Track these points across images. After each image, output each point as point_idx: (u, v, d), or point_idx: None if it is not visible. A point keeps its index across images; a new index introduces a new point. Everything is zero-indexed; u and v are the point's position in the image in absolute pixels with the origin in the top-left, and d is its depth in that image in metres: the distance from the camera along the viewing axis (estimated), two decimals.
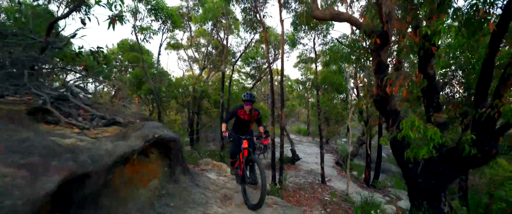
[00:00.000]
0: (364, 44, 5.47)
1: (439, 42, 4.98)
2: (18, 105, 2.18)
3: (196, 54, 16.71)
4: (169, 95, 11.41)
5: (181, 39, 14.77)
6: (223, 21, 12.47)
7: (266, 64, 14.81)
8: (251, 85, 17.08)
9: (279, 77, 12.54)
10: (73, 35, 4.46)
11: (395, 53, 6.19)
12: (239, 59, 14.26)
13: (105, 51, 4.97)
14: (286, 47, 13.27)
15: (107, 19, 3.63)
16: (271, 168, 9.31)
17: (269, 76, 11.46)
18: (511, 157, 16.61)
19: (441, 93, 8.92)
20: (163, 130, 3.33)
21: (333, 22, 9.19)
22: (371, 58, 5.25)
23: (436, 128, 3.87)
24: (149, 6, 7.55)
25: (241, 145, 4.09)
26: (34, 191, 1.38)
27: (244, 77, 20.64)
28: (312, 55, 12.19)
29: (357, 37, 5.67)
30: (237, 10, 11.82)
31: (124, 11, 5.78)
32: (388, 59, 6.49)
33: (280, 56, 10.21)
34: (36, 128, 2.11)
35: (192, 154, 10.15)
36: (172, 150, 3.71)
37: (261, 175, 3.61)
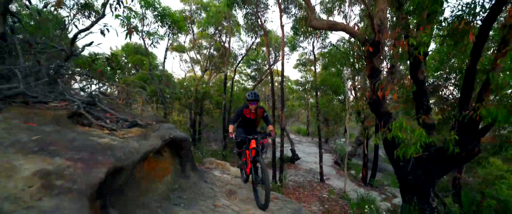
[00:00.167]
0: (359, 50, 5.86)
1: (429, 49, 5.39)
2: (60, 111, 2.57)
3: (198, 56, 17.12)
4: (173, 97, 11.80)
5: (184, 42, 15.17)
6: (225, 24, 12.87)
7: (267, 66, 15.22)
8: (252, 87, 17.45)
9: (280, 78, 12.96)
10: (90, 43, 4.85)
11: (388, 58, 6.58)
12: (241, 62, 14.63)
13: (110, 56, 5.37)
14: (286, 49, 13.67)
15: (125, 30, 4.00)
16: (272, 167, 9.71)
17: (269, 78, 11.85)
18: (505, 156, 17.10)
19: (436, 95, 9.33)
20: (176, 131, 3.73)
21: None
22: (365, 64, 5.65)
23: (422, 129, 4.26)
24: (156, 12, 7.95)
25: (249, 144, 4.07)
26: (91, 179, 1.78)
27: (245, 78, 21.05)
28: (311, 57, 12.60)
29: (353, 43, 6.05)
30: (239, 15, 12.22)
31: (133, 17, 6.17)
32: (383, 64, 6.91)
33: (280, 59, 10.62)
34: (75, 130, 2.50)
35: (195, 154, 10.55)
36: (183, 149, 4.10)
37: (264, 176, 3.67)
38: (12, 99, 2.31)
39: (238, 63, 14.73)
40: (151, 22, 8.14)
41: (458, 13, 4.86)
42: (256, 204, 4.11)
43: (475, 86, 5.46)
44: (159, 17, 8.00)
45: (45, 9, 6.81)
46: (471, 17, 4.36)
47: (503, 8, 3.97)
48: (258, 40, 13.31)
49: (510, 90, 5.53)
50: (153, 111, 13.84)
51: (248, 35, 11.86)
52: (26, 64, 3.40)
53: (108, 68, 4.62)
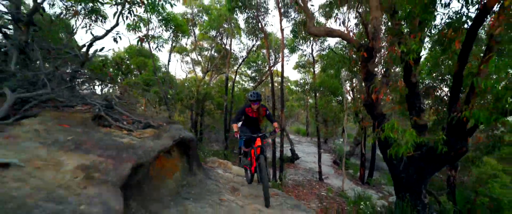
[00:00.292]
0: (354, 55, 6.19)
1: (422, 53, 5.72)
2: (85, 113, 2.88)
3: (199, 57, 17.44)
4: (175, 98, 12.11)
5: (186, 44, 15.47)
6: (226, 26, 13.19)
7: (267, 67, 15.54)
8: (252, 87, 17.76)
9: (279, 78, 13.27)
10: (101, 49, 5.17)
11: (383, 63, 6.89)
12: (242, 64, 14.95)
13: (119, 61, 5.67)
14: (286, 51, 13.99)
15: (137, 38, 4.31)
16: (272, 166, 10.03)
17: (269, 79, 12.16)
18: (500, 156, 17.46)
19: (432, 96, 9.64)
20: (184, 132, 4.04)
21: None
22: (361, 67, 5.96)
23: (412, 130, 4.57)
24: (160, 17, 8.26)
25: (253, 143, 4.12)
26: (120, 172, 2.09)
27: (245, 79, 21.36)
28: (310, 59, 12.92)
29: (349, 47, 6.37)
30: (240, 18, 12.53)
31: (138, 21, 6.48)
32: (378, 68, 7.23)
33: (280, 60, 10.94)
34: (99, 130, 2.81)
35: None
36: (190, 148, 4.42)
37: (262, 174, 3.76)
38: (46, 104, 2.62)
39: (239, 65, 15.04)
40: (155, 26, 8.48)
41: (447, 21, 5.21)
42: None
43: (464, 90, 5.80)
44: (163, 22, 8.32)
45: (54, 13, 7.14)
46: (459, 24, 4.69)
47: (486, 18, 4.29)
48: (258, 42, 13.64)
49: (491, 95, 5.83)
50: (157, 112, 14.16)
51: (249, 39, 12.19)
52: (47, 71, 3.72)
53: (119, 72, 4.89)
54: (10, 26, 4.23)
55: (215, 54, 16.47)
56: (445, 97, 9.72)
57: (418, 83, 6.05)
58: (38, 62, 3.75)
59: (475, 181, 11.39)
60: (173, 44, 11.74)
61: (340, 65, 7.02)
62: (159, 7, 4.44)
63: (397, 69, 10.18)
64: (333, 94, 12.27)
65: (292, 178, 11.20)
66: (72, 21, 7.39)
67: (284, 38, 10.68)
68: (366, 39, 5.23)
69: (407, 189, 5.87)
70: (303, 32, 8.88)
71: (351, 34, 5.67)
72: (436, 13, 5.37)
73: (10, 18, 3.64)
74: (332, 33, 5.25)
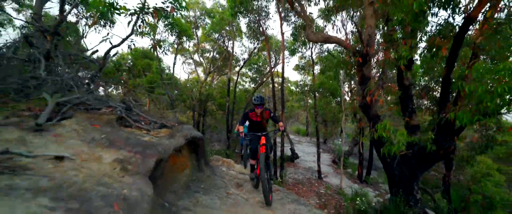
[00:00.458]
0: (351, 60, 6.57)
1: (416, 57, 6.09)
2: (109, 115, 3.26)
3: (201, 59, 17.83)
4: (179, 99, 12.49)
5: (188, 46, 15.86)
6: (228, 28, 13.57)
7: (267, 68, 15.93)
8: (253, 88, 18.14)
9: (280, 79, 13.65)
10: (115, 54, 5.55)
11: (379, 67, 7.27)
12: (243, 66, 15.34)
13: (132, 66, 6.05)
14: (286, 53, 14.38)
15: (150, 45, 4.69)
16: (273, 165, 10.41)
17: (270, 80, 12.53)
18: (497, 155, 17.86)
19: (427, 97, 10.01)
20: (194, 131, 4.43)
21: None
22: (356, 71, 6.35)
23: (404, 130, 4.96)
24: (166, 22, 8.64)
25: (255, 140, 4.24)
26: (147, 165, 2.48)
27: (245, 80, 21.76)
28: (310, 61, 13.31)
29: (346, 52, 6.75)
30: (242, 22, 12.88)
31: (145, 26, 6.86)
32: (373, 71, 7.61)
33: (280, 62, 11.33)
34: (124, 130, 3.19)
35: None
36: (199, 147, 4.81)
37: (261, 174, 3.81)
38: (78, 107, 3.01)
39: (241, 67, 15.43)
40: (161, 31, 8.87)
41: (438, 28, 5.60)
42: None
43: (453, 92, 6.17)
44: (169, 26, 8.70)
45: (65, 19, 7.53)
46: (446, 32, 5.08)
47: (471, 27, 4.68)
48: (259, 45, 14.03)
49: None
50: (161, 112, 14.55)
51: (251, 42, 12.58)
52: (70, 76, 4.11)
53: (131, 75, 5.28)
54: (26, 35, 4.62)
55: (217, 56, 16.87)
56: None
57: (410, 86, 6.43)
58: (60, 68, 4.12)
59: (470, 180, 11.77)
60: (178, 48, 12.12)
61: (338, 68, 7.40)
62: (170, 18, 4.80)
63: (394, 71, 10.58)
64: (332, 96, 12.66)
65: (292, 176, 11.58)
66: (79, 25, 7.78)
67: (285, 41, 11.10)
68: (361, 46, 5.61)
69: (400, 185, 6.25)
70: (302, 36, 9.25)
71: (347, 39, 6.03)
72: (427, 21, 5.76)
73: (37, 29, 4.02)
74: (329, 39, 5.63)
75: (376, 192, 11.02)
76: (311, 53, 11.94)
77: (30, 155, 1.94)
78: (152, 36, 4.92)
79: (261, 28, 10.62)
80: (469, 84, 4.38)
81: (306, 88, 13.95)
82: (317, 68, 13.70)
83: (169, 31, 8.74)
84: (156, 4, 4.45)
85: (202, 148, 4.90)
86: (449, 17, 4.94)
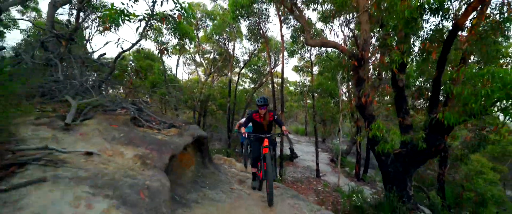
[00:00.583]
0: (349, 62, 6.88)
1: (406, 62, 6.41)
2: (124, 116, 3.56)
3: (202, 60, 18.13)
4: (181, 99, 12.77)
5: (189, 47, 16.15)
6: (228, 29, 13.86)
7: (267, 69, 16.26)
8: (252, 89, 18.44)
9: (279, 79, 13.96)
10: (122, 58, 5.84)
11: (376, 69, 7.59)
12: (244, 67, 15.65)
13: (139, 69, 6.35)
14: (285, 54, 14.70)
15: (158, 50, 4.99)
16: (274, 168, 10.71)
17: (269, 80, 12.83)
18: (492, 154, 18.21)
19: (423, 97, 10.35)
20: (200, 131, 4.73)
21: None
22: (352, 74, 6.67)
23: (396, 129, 5.28)
24: (169, 25, 8.90)
25: (258, 141, 4.24)
26: (163, 161, 2.78)
27: (245, 79, 22.07)
28: (308, 62, 13.63)
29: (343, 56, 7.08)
30: (242, 25, 13.16)
31: (148, 29, 7.14)
32: (369, 74, 7.92)
33: (279, 63, 11.63)
34: (138, 129, 3.49)
35: None
36: (204, 145, 5.11)
37: (268, 172, 3.74)
38: (97, 108, 3.31)
39: (242, 69, 15.74)
40: (165, 34, 9.15)
41: (429, 33, 5.93)
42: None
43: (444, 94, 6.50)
44: (172, 30, 8.98)
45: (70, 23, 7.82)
46: (436, 38, 5.40)
47: (458, 33, 4.99)
48: (259, 46, 14.33)
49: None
50: (162, 113, 14.83)
51: (251, 44, 12.88)
52: (84, 78, 4.40)
53: (137, 77, 5.58)
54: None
55: (217, 57, 17.16)
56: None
57: (404, 88, 6.75)
58: (75, 72, 4.42)
59: (463, 178, 12.11)
60: (181, 50, 12.42)
61: (335, 71, 7.72)
62: (179, 26, 5.07)
63: (389, 73, 10.92)
64: (330, 96, 12.97)
65: (291, 175, 11.89)
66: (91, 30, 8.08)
67: (284, 41, 11.42)
68: (356, 50, 5.92)
69: (394, 182, 6.57)
70: (301, 39, 9.56)
71: (344, 43, 6.35)
72: (419, 27, 6.08)
73: (54, 35, 4.31)
74: (327, 44, 5.95)
75: (373, 190, 11.35)
76: (310, 55, 12.27)
77: (64, 150, 2.24)
78: (160, 41, 5.19)
79: (261, 30, 10.92)
80: (456, 87, 4.70)
81: (305, 89, 14.25)
82: (315, 69, 14.03)
83: (172, 34, 9.03)
84: (164, 11, 4.74)
85: (206, 146, 5.21)
86: (439, 24, 5.26)
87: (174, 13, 4.74)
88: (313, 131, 19.01)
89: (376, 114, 6.93)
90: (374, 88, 5.99)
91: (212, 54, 17.21)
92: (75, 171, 1.97)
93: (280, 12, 10.00)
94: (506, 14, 4.27)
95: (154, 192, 2.15)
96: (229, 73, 14.23)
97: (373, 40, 7.18)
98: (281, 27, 10.12)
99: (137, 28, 5.14)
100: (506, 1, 4.33)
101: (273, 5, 8.77)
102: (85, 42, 8.52)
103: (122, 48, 4.47)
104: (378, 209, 6.65)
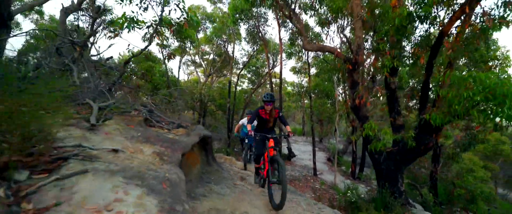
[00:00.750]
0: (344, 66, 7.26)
1: (397, 66, 6.81)
2: (138, 117, 3.89)
3: (201, 61, 18.45)
4: (187, 101, 13.09)
5: (189, 49, 16.47)
6: (228, 32, 14.21)
7: (265, 69, 16.63)
8: (252, 90, 18.80)
9: (277, 80, 14.31)
10: (129, 62, 6.16)
11: (370, 72, 7.98)
12: (243, 69, 16.00)
13: (145, 72, 6.67)
14: (283, 55, 15.09)
15: (165, 56, 5.32)
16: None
17: (268, 81, 13.18)
18: (484, 153, 18.71)
19: (416, 98, 10.77)
20: (205, 131, 5.08)
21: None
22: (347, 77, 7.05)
23: (387, 129, 5.66)
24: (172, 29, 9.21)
25: (267, 144, 4.18)
26: (177, 157, 3.13)
27: (243, 80, 22.43)
28: (306, 64, 14.02)
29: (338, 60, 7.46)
30: (242, 28, 13.50)
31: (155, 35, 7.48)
32: (368, 75, 8.31)
33: (277, 64, 11.99)
34: (150, 129, 3.82)
35: None
36: (208, 144, 5.45)
37: (282, 175, 3.58)
38: (114, 111, 3.64)
39: (241, 70, 16.08)
40: (169, 38, 9.45)
41: (419, 40, 6.33)
42: (271, 204, 4.00)
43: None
44: (177, 34, 9.28)
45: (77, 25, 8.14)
46: (424, 45, 5.80)
47: (444, 40, 5.39)
48: (258, 47, 14.69)
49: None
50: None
51: (250, 47, 13.24)
52: (96, 82, 4.73)
53: (146, 81, 5.91)
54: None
55: (217, 58, 17.49)
56: None
57: (396, 90, 7.15)
58: (91, 77, 4.74)
59: (455, 176, 12.57)
60: (183, 53, 12.74)
61: (332, 73, 8.09)
62: (185, 32, 5.40)
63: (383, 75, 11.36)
64: (327, 97, 13.37)
65: (289, 173, 12.24)
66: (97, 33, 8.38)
67: (282, 43, 11.81)
68: (351, 54, 6.30)
69: (387, 179, 6.97)
70: (299, 41, 9.93)
71: (339, 48, 6.72)
72: (410, 32, 6.48)
73: (69, 41, 4.63)
74: (323, 49, 6.32)
75: (368, 187, 11.74)
76: (307, 57, 12.65)
77: (94, 148, 2.58)
78: (167, 46, 5.52)
79: (260, 33, 11.28)
80: (442, 90, 5.10)
81: (302, 89, 14.63)
82: (312, 71, 14.41)
83: (174, 38, 9.33)
84: (171, 19, 5.08)
85: (210, 145, 5.55)
86: (427, 31, 5.65)
87: (181, 21, 5.08)
88: (310, 131, 19.44)
89: (370, 115, 7.32)
90: (368, 90, 6.37)
91: (211, 55, 17.54)
92: (107, 165, 2.32)
93: (278, 16, 10.36)
94: (485, 24, 4.65)
95: (173, 183, 2.50)
96: (228, 75, 14.56)
97: (367, 44, 7.58)
98: (279, 31, 10.49)
99: (145, 34, 5.48)
100: (486, 12, 4.72)
101: (272, 11, 9.13)
102: (90, 44, 8.81)
103: (132, 53, 4.78)
104: (371, 204, 7.04)
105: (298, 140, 23.33)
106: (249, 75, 18.78)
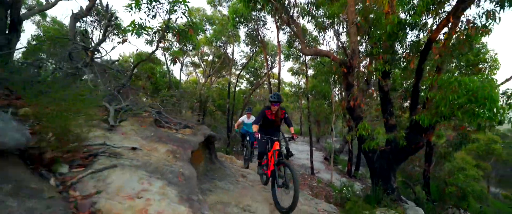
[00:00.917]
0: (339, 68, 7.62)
1: (389, 70, 7.19)
2: (148, 118, 4.21)
3: (200, 62, 18.77)
4: (182, 99, 13.43)
5: (189, 50, 16.78)
6: (230, 33, 14.55)
7: (263, 70, 17.00)
8: (250, 90, 19.16)
9: (275, 80, 14.65)
10: (138, 65, 6.47)
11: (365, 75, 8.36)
12: (242, 70, 16.34)
13: (150, 75, 6.98)
14: (282, 57, 15.46)
15: (170, 58, 5.64)
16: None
17: (266, 81, 13.53)
18: (477, 153, 19.20)
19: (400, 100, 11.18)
20: (209, 131, 5.41)
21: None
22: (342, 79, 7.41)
23: (379, 129, 6.03)
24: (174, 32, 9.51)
25: (270, 146, 4.23)
26: (187, 155, 3.46)
27: (241, 80, 22.79)
28: (303, 67, 14.40)
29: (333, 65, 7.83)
30: (241, 31, 13.84)
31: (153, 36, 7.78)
32: (362, 77, 8.68)
33: (276, 65, 12.33)
34: (160, 129, 4.14)
35: None
36: (212, 143, 5.79)
37: (294, 178, 3.49)
38: (127, 112, 3.96)
39: (241, 72, 16.42)
40: (172, 42, 9.74)
41: (410, 45, 6.71)
42: (277, 207, 3.92)
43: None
44: (180, 38, 9.56)
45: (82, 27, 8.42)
46: (413, 49, 6.18)
47: (432, 45, 5.77)
48: (257, 49, 15.04)
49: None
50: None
51: (250, 49, 13.60)
52: (107, 85, 5.04)
53: (151, 83, 6.22)
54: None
55: (216, 59, 17.82)
56: None
57: (389, 92, 7.52)
58: (102, 80, 5.05)
59: (447, 174, 13.01)
60: (184, 54, 13.05)
61: (328, 75, 8.46)
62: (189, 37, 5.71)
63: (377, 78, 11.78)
64: (324, 98, 13.75)
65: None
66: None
67: (280, 44, 12.17)
68: (346, 58, 6.67)
69: (380, 176, 7.34)
70: (297, 44, 10.29)
71: (336, 53, 7.08)
72: (402, 37, 6.86)
73: (82, 47, 4.93)
74: (320, 53, 6.67)
75: (363, 185, 12.14)
76: (305, 58, 13.02)
77: (116, 146, 2.90)
78: (170, 48, 5.83)
79: (259, 36, 11.63)
80: (430, 92, 5.47)
81: (300, 90, 15.01)
82: (310, 72, 14.80)
83: (179, 42, 9.61)
84: (178, 26, 5.41)
85: (214, 144, 5.89)
86: (417, 36, 6.03)
87: (186, 27, 5.41)
88: (307, 131, 19.81)
89: (366, 115, 7.69)
90: (362, 92, 6.73)
91: (211, 56, 17.86)
92: (130, 161, 2.64)
93: (277, 20, 10.72)
94: (468, 32, 5.03)
95: (187, 178, 2.84)
96: (227, 76, 14.90)
97: (362, 48, 7.95)
98: (278, 33, 10.85)
99: (152, 39, 5.80)
100: (470, 21, 5.11)
101: (272, 16, 9.48)
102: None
103: (142, 57, 5.09)
104: (365, 200, 7.41)
105: (296, 140, 23.67)
106: (247, 76, 19.12)
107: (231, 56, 14.87)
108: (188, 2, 5.05)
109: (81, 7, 6.17)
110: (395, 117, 7.59)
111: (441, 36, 5.85)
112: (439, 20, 5.49)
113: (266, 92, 24.69)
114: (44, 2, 9.45)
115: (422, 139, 6.59)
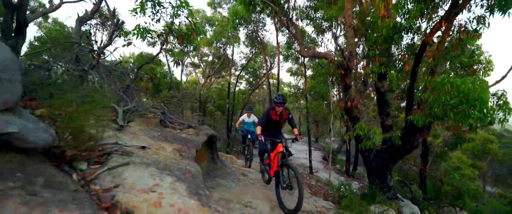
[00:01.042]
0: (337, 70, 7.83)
1: (385, 72, 7.40)
2: (155, 119, 4.40)
3: (200, 62, 18.95)
4: (190, 102, 13.61)
5: (189, 51, 16.96)
6: (229, 34, 14.74)
7: (262, 71, 17.19)
8: (250, 90, 19.36)
9: (275, 81, 14.84)
10: (142, 67, 6.65)
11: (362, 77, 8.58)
12: (242, 71, 16.55)
13: (154, 76, 7.16)
14: (281, 57, 15.68)
15: (173, 60, 5.83)
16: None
17: (265, 82, 13.72)
18: (473, 152, 19.46)
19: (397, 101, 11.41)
20: (211, 131, 5.60)
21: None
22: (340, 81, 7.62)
23: (376, 129, 6.23)
24: (176, 34, 9.70)
25: (272, 146, 4.25)
26: (192, 153, 3.65)
27: (240, 81, 22.99)
28: (302, 67, 14.62)
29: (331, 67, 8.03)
30: (241, 32, 14.05)
31: (156, 39, 7.97)
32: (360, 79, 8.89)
33: (275, 66, 12.53)
34: (165, 129, 4.33)
35: None
36: (214, 143, 5.97)
37: (298, 180, 3.51)
38: (134, 113, 4.15)
39: (240, 73, 16.62)
40: (171, 41, 9.93)
41: (405, 48, 6.93)
42: (281, 208, 3.99)
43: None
44: (183, 41, 9.75)
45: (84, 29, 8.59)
46: (408, 52, 6.40)
47: (426, 49, 5.98)
48: (256, 50, 15.25)
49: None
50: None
51: (249, 50, 13.79)
52: (112, 87, 5.22)
53: (154, 84, 6.39)
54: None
55: (215, 60, 18.01)
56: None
57: (385, 93, 7.74)
58: (104, 81, 5.22)
59: (443, 173, 13.26)
60: (185, 55, 13.25)
61: (326, 77, 8.67)
62: (191, 40, 5.90)
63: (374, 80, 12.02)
64: (322, 98, 13.97)
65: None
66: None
67: (279, 46, 12.37)
68: (343, 60, 6.88)
69: (376, 175, 7.55)
70: (296, 45, 10.50)
71: (334, 55, 7.28)
72: (398, 40, 7.07)
73: (88, 50, 5.11)
74: (318, 55, 6.88)
75: (360, 184, 12.35)
76: (303, 60, 13.24)
77: (127, 145, 3.09)
78: (172, 50, 6.01)
79: (258, 37, 11.83)
80: (424, 94, 5.69)
81: (299, 91, 15.23)
82: (308, 73, 15.02)
83: (182, 44, 9.81)
84: (181, 29, 5.60)
85: (215, 144, 6.08)
86: (412, 40, 6.25)
87: (189, 31, 5.60)
88: (306, 131, 20.02)
89: (363, 115, 7.90)
90: (360, 93, 6.94)
91: (211, 57, 18.05)
92: (141, 159, 2.83)
93: (276, 22, 10.92)
94: (460, 36, 5.26)
95: (194, 175, 3.03)
96: (227, 76, 15.10)
97: (359, 50, 8.16)
98: (277, 35, 11.05)
99: (155, 42, 5.98)
100: (461, 25, 5.33)
101: (271, 18, 9.68)
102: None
103: (146, 60, 5.27)
104: (362, 198, 7.62)
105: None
106: (246, 77, 19.32)
107: (230, 57, 15.07)
108: (191, 7, 5.24)
109: (86, 10, 6.34)
110: (392, 117, 7.82)
111: (435, 40, 6.07)
112: (433, 24, 5.70)
113: (265, 93, 24.90)
114: (47, 4, 9.64)
115: (417, 139, 6.80)
